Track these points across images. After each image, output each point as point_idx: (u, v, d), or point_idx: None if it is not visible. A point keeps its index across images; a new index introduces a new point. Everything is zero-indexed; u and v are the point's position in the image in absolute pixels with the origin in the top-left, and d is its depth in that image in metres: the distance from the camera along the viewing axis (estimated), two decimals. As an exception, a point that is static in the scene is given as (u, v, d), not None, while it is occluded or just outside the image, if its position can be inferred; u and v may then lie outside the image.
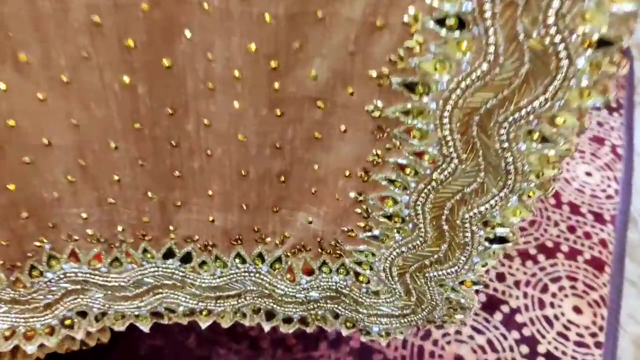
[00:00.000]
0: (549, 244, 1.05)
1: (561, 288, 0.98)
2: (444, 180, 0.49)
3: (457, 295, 0.61)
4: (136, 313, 0.70)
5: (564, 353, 0.89)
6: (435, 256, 0.57)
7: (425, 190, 0.51)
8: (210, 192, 0.58)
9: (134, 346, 0.75)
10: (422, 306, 0.64)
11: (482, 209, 0.50)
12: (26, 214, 0.58)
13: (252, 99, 0.48)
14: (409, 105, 0.46)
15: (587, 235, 1.07)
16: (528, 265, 1.01)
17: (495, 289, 0.97)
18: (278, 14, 0.42)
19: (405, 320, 0.67)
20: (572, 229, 1.08)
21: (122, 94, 0.48)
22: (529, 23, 0.38)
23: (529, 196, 0.48)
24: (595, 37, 0.37)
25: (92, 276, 0.65)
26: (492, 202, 0.50)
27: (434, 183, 0.50)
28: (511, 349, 0.88)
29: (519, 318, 0.93)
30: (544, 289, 0.98)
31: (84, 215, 0.59)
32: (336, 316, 0.70)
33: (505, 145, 0.45)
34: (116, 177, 0.56)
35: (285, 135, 0.52)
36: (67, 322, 0.69)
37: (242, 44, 0.44)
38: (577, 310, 0.95)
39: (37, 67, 0.47)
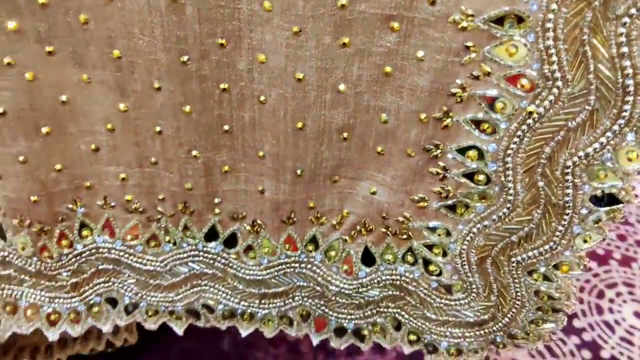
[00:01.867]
0: (600, 252, 1.04)
1: (618, 294, 0.97)
2: (543, 114, 0.41)
3: (549, 287, 0.50)
4: (170, 309, 0.61)
5: (630, 358, 0.88)
6: (526, 229, 0.48)
7: (519, 132, 0.43)
8: (261, 153, 0.50)
9: (164, 349, 0.66)
10: (504, 309, 0.54)
11: (589, 150, 0.41)
12: (60, 165, 0.52)
13: (315, 22, 0.42)
14: (506, 8, 0.38)
15: (639, 243, 1.07)
16: (581, 272, 1.00)
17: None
18: None
19: (482, 331, 0.56)
20: (622, 238, 1.08)
21: (168, 15, 0.43)
22: None
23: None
24: None
25: (126, 255, 0.57)
26: (603, 139, 0.41)
27: (530, 120, 0.42)
28: (572, 354, 0.87)
29: (577, 323, 0.92)
30: (600, 295, 0.97)
31: (123, 175, 0.53)
32: (398, 327, 0.60)
33: (624, 49, 0.37)
34: (158, 128, 0.49)
35: (350, 74, 0.45)
36: (95, 309, 0.61)
37: None
38: (638, 315, 0.94)
39: None
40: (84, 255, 0.57)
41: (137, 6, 0.43)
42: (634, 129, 0.40)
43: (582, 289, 0.96)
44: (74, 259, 0.57)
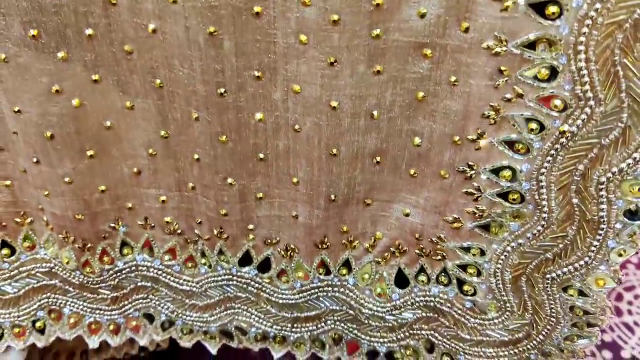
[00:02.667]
0: None
1: (637, 296, 0.95)
2: (576, 132, 0.42)
3: (585, 302, 0.51)
4: (204, 329, 0.62)
5: (650, 358, 0.89)
6: (560, 245, 0.48)
7: (552, 151, 0.44)
8: (295, 180, 0.51)
9: (196, 353, 0.67)
10: (539, 326, 0.54)
11: (623, 165, 0.43)
12: (104, 186, 0.54)
13: (350, 52, 0.43)
14: (537, 33, 0.40)
15: None
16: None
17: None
18: None
19: (516, 349, 0.57)
20: None
21: (206, 49, 0.44)
22: None
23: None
24: None
25: (164, 274, 0.60)
26: (637, 154, 0.42)
27: (563, 139, 0.43)
28: (593, 355, 0.86)
29: None
30: (619, 298, 0.95)
31: (163, 198, 0.55)
32: (431, 349, 0.60)
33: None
34: (196, 156, 0.51)
35: (384, 100, 0.46)
36: (133, 322, 0.63)
37: None
38: None
39: (124, 10, 0.44)
40: (124, 272, 0.59)
41: (177, 39, 0.44)
42: (667, 144, 0.41)
43: (600, 292, 0.97)
44: (114, 275, 0.59)
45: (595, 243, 0.47)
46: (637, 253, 1.04)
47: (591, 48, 0.39)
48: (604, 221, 0.45)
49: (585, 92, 0.40)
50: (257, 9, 0.42)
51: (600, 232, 0.46)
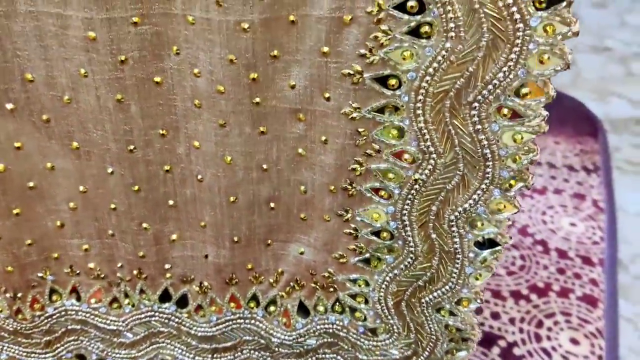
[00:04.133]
0: (540, 285, 1.09)
1: (556, 322, 1.01)
2: (425, 180, 0.51)
3: (455, 320, 0.59)
4: (133, 364, 0.68)
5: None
6: (429, 274, 0.56)
7: (409, 196, 0.52)
8: (202, 223, 0.59)
9: None
10: (423, 344, 0.62)
11: (466, 205, 0.51)
12: (30, 240, 0.60)
13: (236, 116, 0.51)
14: (383, 102, 0.48)
15: (577, 276, 1.11)
16: (521, 304, 1.05)
17: (490, 326, 0.99)
18: (253, 21, 0.46)
19: (408, 366, 0.64)
20: (561, 271, 1.12)
21: (116, 113, 0.52)
22: (483, -6, 0.42)
23: (510, 186, 0.49)
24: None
25: (92, 316, 0.65)
26: (475, 196, 0.50)
27: (416, 186, 0.51)
28: None
29: (516, 351, 0.95)
30: (539, 325, 1.01)
31: (86, 246, 0.61)
32: (337, 370, 0.68)
33: (478, 126, 0.46)
34: (113, 205, 0.58)
35: (271, 155, 0.54)
36: None
37: (223, 55, 0.48)
38: (574, 341, 0.98)
39: (41, 85, 0.51)
40: (54, 317, 0.65)
41: (90, 106, 0.51)
42: (497, 185, 0.50)
43: (522, 320, 1.02)
44: (45, 320, 0.65)
45: (455, 270, 0.55)
46: (558, 281, 1.12)
47: (427, 112, 0.47)
48: (458, 252, 0.54)
49: (427, 147, 0.49)
50: (157, 79, 0.50)
51: (457, 261, 0.55)
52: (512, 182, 0.49)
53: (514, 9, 0.41)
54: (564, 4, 0.41)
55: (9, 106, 0.52)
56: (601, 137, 1.55)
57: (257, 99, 0.50)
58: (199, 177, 0.56)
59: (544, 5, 0.41)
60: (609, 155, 1.51)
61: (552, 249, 1.19)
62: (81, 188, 0.57)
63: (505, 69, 0.44)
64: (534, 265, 1.14)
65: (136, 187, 0.56)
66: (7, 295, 0.62)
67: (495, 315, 1.01)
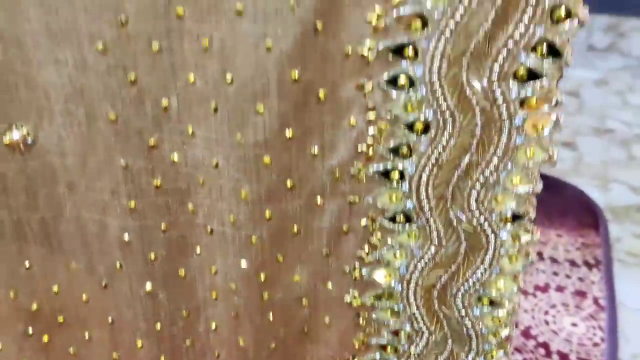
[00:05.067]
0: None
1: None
2: (420, 354, 0.57)
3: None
4: None
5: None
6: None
7: (408, 365, 0.58)
8: None
9: None
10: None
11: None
12: None
13: (247, 310, 0.59)
14: (379, 291, 0.55)
15: None
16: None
17: None
18: (262, 236, 0.54)
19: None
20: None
21: (146, 299, 0.59)
22: (458, 210, 0.49)
23: (492, 357, 0.55)
24: (509, 214, 0.48)
25: None
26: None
27: (412, 358, 0.58)
28: None
29: None
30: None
31: None
32: None
33: (463, 312, 0.53)
34: None
35: (278, 335, 0.61)
36: None
37: (236, 261, 0.56)
38: None
39: (84, 273, 0.58)
40: None
41: (125, 292, 0.59)
42: (482, 356, 0.56)
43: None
44: None
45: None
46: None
47: (418, 298, 0.54)
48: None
49: (420, 328, 0.56)
50: (181, 273, 0.58)
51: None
52: (494, 352, 0.55)
53: (486, 225, 0.49)
54: (526, 218, 0.48)
55: (55, 288, 0.59)
56: (602, 229, 1.58)
57: (266, 295, 0.58)
58: (217, 353, 0.62)
59: (510, 220, 0.48)
60: (610, 247, 1.53)
61: (554, 352, 1.20)
62: (114, 355, 0.64)
63: (482, 268, 0.51)
64: (537, 367, 1.17)
65: (162, 357, 0.63)
66: None
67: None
